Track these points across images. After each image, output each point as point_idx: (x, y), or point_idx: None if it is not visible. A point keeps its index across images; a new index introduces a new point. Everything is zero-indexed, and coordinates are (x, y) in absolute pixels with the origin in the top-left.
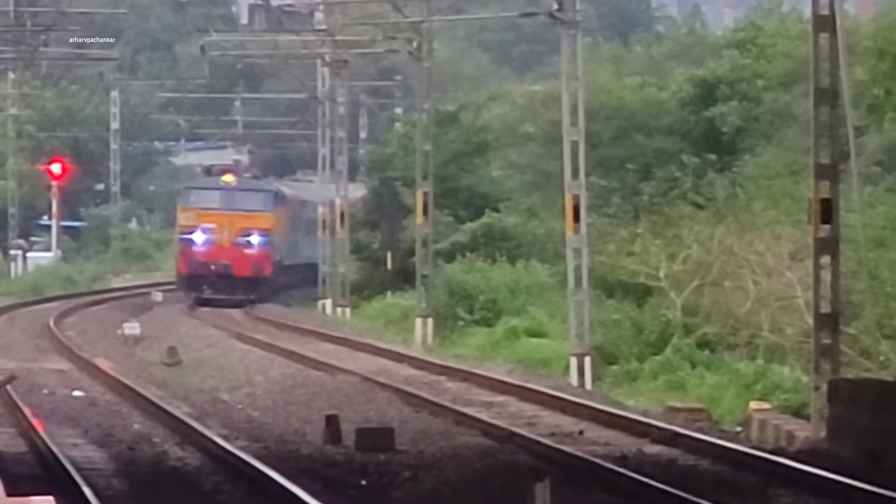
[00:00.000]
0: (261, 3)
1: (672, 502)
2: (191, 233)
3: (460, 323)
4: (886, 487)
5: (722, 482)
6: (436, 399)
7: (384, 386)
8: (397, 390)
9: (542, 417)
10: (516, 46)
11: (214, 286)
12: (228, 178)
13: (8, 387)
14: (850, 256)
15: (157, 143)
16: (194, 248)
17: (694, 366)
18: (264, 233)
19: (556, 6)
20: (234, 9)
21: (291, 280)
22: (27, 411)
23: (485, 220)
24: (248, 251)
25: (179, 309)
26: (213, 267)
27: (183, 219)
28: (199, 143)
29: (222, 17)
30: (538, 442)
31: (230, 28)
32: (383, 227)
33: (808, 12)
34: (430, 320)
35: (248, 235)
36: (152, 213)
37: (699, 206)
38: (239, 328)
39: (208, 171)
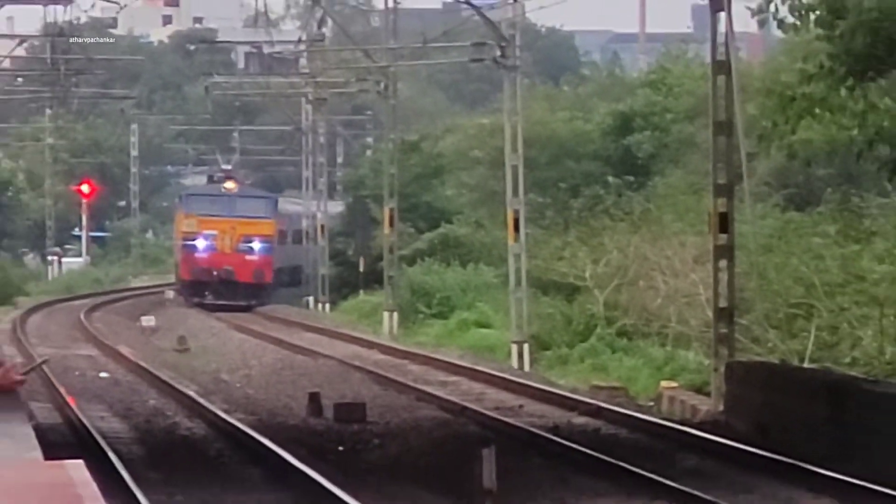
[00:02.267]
0: (255, 51)
1: (596, 465)
2: (193, 239)
3: (420, 316)
4: (774, 452)
5: (638, 448)
6: (400, 379)
7: (357, 368)
8: (368, 372)
9: (488, 394)
10: (468, 86)
11: (217, 292)
12: (230, 185)
13: (45, 368)
14: (743, 260)
15: (169, 168)
16: (196, 255)
17: (614, 351)
18: (266, 239)
19: (499, 53)
20: (232, 56)
21: (281, 281)
22: (62, 390)
23: (441, 230)
24: (249, 257)
25: (188, 304)
26: (215, 273)
27: (185, 225)
28: (205, 167)
29: (223, 63)
30: (485, 414)
31: (229, 72)
32: (357, 237)
33: (708, 58)
34: (395, 314)
35: (250, 242)
36: (165, 225)
37: (619, 219)
38: (237, 320)
39: (210, 178)
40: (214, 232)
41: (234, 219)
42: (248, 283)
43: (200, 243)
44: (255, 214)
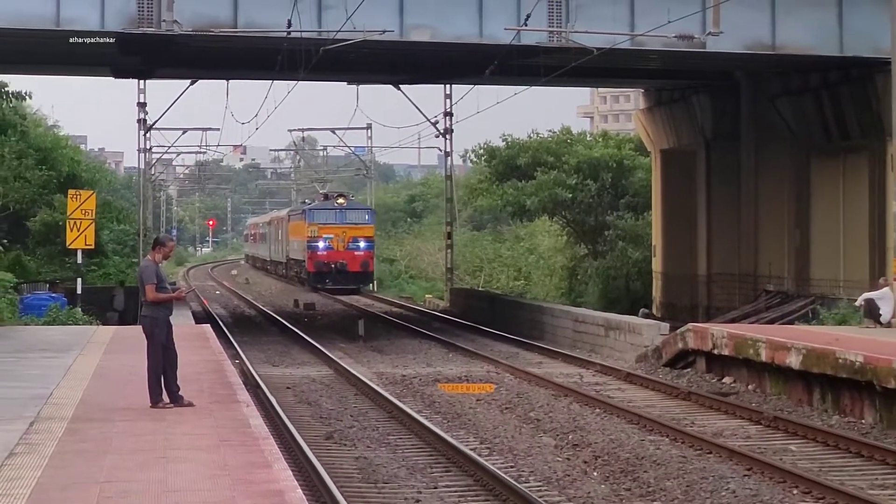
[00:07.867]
0: (274, 170)
1: (402, 325)
2: (316, 241)
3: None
4: (470, 322)
5: (417, 319)
6: (330, 296)
7: (312, 290)
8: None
9: (362, 300)
10: (354, 184)
11: (334, 279)
12: (342, 200)
13: (195, 290)
14: (458, 250)
15: (241, 215)
16: (318, 253)
17: (408, 283)
18: (368, 239)
19: (365, 172)
20: (266, 173)
21: None
22: (201, 297)
23: None
24: (357, 253)
25: (248, 265)
26: (332, 266)
27: (309, 231)
28: (254, 215)
29: (261, 176)
30: (359, 307)
31: (265, 179)
32: None
33: (443, 173)
34: None
35: (358, 242)
36: (239, 236)
37: (411, 234)
38: (269, 271)
39: (325, 196)
40: (331, 236)
41: (345, 225)
42: (356, 271)
43: (321, 244)
44: (360, 221)
